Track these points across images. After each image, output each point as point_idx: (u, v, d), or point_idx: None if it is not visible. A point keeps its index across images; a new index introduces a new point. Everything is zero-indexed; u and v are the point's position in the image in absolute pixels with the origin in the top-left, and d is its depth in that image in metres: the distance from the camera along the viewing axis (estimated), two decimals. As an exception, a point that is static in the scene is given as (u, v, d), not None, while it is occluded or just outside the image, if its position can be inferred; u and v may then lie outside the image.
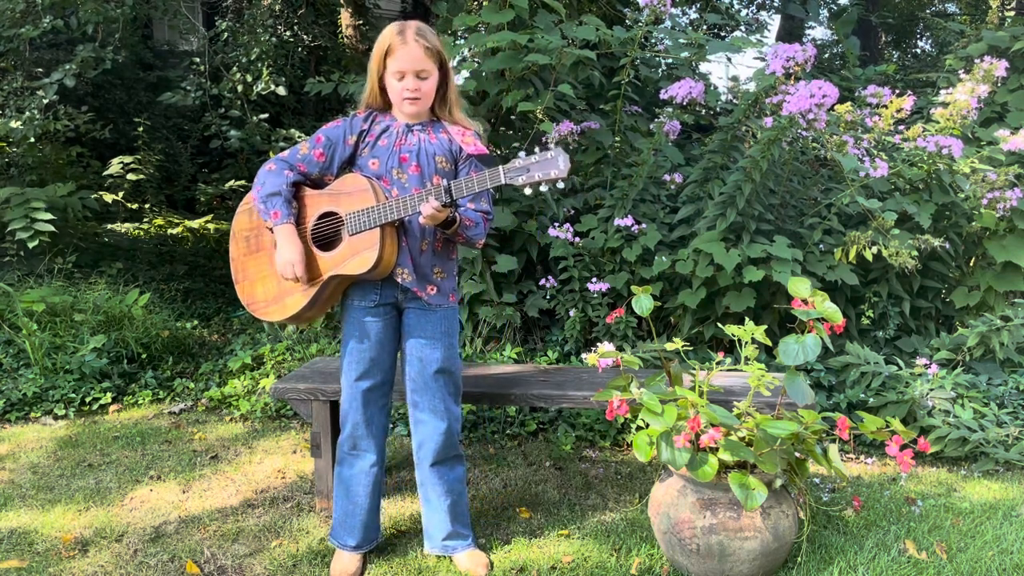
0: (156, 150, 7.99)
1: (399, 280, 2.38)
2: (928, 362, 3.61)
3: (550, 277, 4.13)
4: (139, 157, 7.65)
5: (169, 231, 7.18)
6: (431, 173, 2.39)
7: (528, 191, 2.22)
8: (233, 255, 2.56)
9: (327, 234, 2.41)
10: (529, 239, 4.23)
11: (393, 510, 2.93)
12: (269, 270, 2.47)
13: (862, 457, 3.46)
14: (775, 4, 10.39)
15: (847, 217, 4.04)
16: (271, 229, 2.38)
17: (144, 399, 4.23)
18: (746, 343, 2.50)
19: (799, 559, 2.51)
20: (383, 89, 2.39)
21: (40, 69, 6.34)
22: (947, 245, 3.89)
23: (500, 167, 2.21)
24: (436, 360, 2.46)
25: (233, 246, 2.56)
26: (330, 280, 2.38)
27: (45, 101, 5.15)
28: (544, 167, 2.17)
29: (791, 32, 9.51)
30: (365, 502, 2.53)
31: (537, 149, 2.21)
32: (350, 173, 2.41)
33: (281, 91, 5.87)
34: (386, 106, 2.45)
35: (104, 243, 6.63)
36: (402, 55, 2.31)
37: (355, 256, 2.33)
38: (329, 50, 7.63)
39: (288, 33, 7.00)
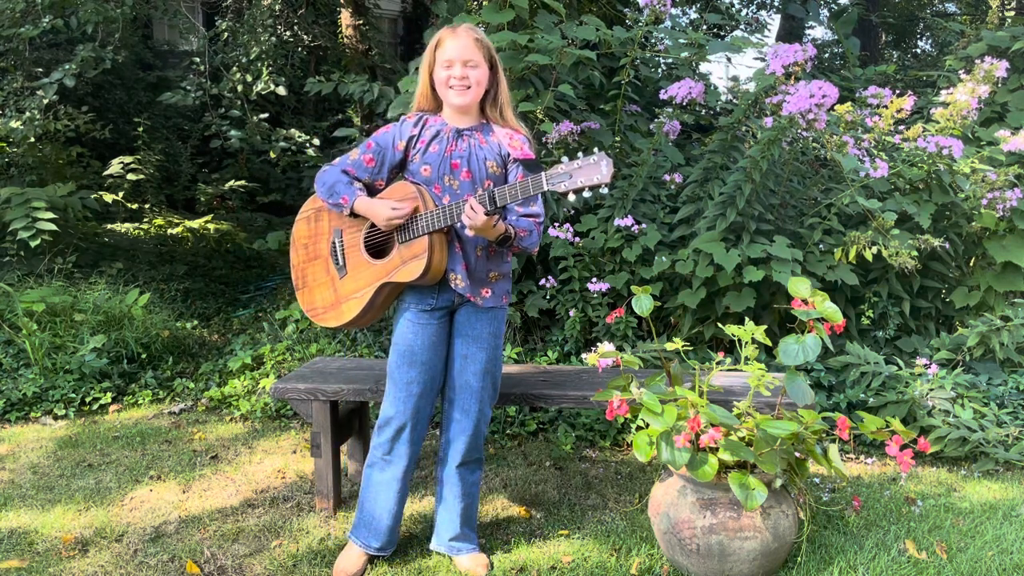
0: (156, 150, 7.99)
1: (452, 285, 2.38)
2: (928, 362, 3.61)
3: (550, 277, 4.13)
4: (139, 157, 7.65)
5: (169, 231, 7.17)
6: (483, 178, 2.37)
7: (572, 198, 2.15)
8: (294, 263, 2.61)
9: (379, 242, 2.42)
10: (529, 239, 4.22)
11: (393, 510, 2.93)
12: (325, 277, 2.51)
13: (862, 457, 3.46)
14: (775, 4, 10.39)
15: (847, 217, 4.04)
16: (353, 215, 2.39)
17: (144, 399, 4.23)
18: (746, 343, 2.50)
19: (799, 559, 2.51)
20: (434, 89, 2.40)
21: (40, 69, 6.35)
22: (947, 245, 3.89)
23: (542, 173, 2.17)
24: (481, 360, 2.46)
25: (293, 254, 2.61)
26: (383, 287, 2.39)
27: (45, 101, 5.15)
28: (587, 172, 2.12)
29: (791, 32, 9.50)
30: (394, 507, 2.51)
31: (580, 154, 2.15)
32: (400, 181, 2.42)
33: (281, 91, 5.87)
34: (437, 107, 2.44)
35: (104, 243, 6.62)
36: (451, 44, 2.33)
37: (405, 264, 2.34)
38: (329, 50, 7.63)
39: (288, 33, 7.00)
